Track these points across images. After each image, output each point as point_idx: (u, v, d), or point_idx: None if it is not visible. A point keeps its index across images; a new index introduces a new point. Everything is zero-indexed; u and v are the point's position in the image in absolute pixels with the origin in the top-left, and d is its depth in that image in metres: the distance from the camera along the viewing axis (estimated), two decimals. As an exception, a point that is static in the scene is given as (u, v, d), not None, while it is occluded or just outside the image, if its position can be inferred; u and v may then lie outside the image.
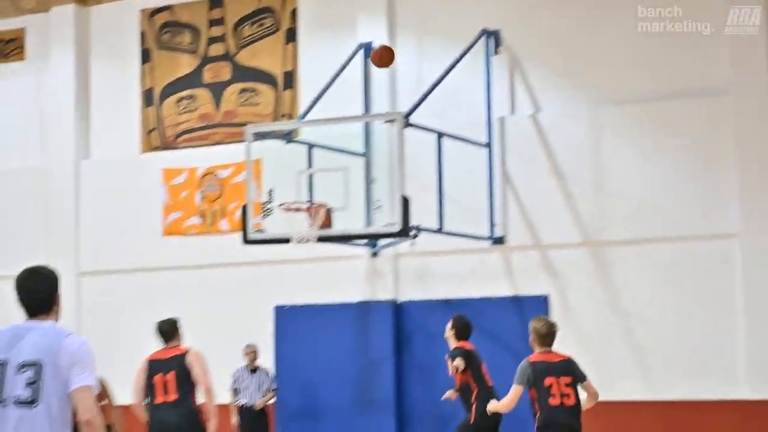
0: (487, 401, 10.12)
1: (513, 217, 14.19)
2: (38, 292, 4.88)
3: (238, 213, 14.20)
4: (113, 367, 15.24)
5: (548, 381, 8.90)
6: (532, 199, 14.13)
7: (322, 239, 12.73)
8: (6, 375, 4.67)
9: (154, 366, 10.09)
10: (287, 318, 15.03)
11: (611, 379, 13.68)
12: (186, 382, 9.98)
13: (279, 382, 14.75)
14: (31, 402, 4.62)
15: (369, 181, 13.43)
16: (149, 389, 10.08)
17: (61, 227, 16.67)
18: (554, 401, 8.90)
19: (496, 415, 10.40)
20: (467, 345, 11.16)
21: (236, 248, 14.09)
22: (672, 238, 13.56)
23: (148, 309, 15.75)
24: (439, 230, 13.16)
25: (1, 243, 16.91)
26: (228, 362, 14.29)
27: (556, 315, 13.92)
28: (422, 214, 12.80)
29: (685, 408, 13.23)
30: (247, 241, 13.12)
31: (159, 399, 9.95)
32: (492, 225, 14.03)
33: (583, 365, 13.88)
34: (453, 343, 11.20)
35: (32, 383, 4.63)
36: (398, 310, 14.70)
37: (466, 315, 11.46)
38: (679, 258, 13.51)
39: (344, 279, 14.96)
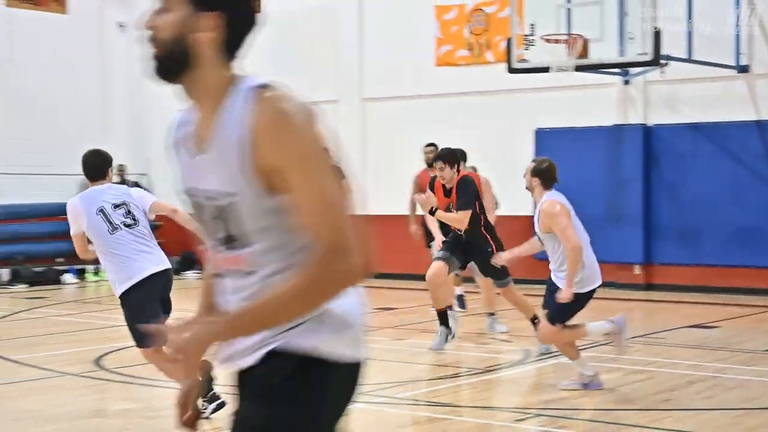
0: (492, 228, 10.22)
1: (758, 46, 14.62)
2: (98, 164, 7.39)
3: (503, 45, 15.38)
4: (390, 181, 16.67)
5: None
6: (778, 30, 14.54)
7: (578, 68, 13.67)
8: (108, 214, 7.22)
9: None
10: (546, 140, 16.01)
11: None
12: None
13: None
14: (134, 224, 7.27)
15: (623, 14, 13.82)
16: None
17: (347, 59, 18.04)
18: None
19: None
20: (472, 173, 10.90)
21: (501, 77, 15.19)
22: None
23: (421, 131, 17.11)
24: (688, 59, 13.88)
25: (296, 75, 18.29)
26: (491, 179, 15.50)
27: (796, 138, 14.60)
28: (671, 44, 13.53)
29: None
30: (511, 70, 14.24)
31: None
32: (738, 54, 14.50)
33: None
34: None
35: (128, 214, 7.26)
36: (648, 133, 15.49)
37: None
38: None
39: (598, 104, 15.79)
